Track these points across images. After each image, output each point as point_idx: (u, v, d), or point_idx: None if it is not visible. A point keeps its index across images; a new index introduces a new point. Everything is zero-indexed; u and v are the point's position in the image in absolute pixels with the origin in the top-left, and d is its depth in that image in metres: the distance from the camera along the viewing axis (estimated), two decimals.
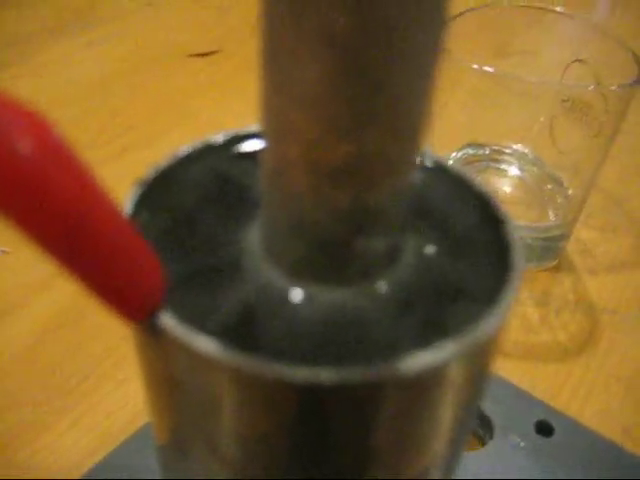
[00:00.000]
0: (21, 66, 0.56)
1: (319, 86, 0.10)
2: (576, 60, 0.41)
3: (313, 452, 0.12)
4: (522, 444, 0.30)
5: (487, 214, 0.14)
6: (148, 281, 0.11)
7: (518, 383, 0.33)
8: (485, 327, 0.11)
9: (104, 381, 0.33)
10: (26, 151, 0.09)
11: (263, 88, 0.11)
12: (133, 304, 0.11)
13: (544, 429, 0.31)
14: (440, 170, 0.15)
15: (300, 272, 0.12)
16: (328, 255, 0.12)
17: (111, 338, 0.34)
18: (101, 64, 0.58)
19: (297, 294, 0.12)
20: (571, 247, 0.42)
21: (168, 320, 0.11)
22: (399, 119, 0.11)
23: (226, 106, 0.51)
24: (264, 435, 0.12)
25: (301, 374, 0.10)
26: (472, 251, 0.13)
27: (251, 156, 0.15)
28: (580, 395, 0.34)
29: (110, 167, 0.45)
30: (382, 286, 0.12)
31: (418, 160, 0.12)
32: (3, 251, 0.39)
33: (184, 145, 0.15)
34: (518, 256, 0.12)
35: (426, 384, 0.11)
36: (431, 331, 0.12)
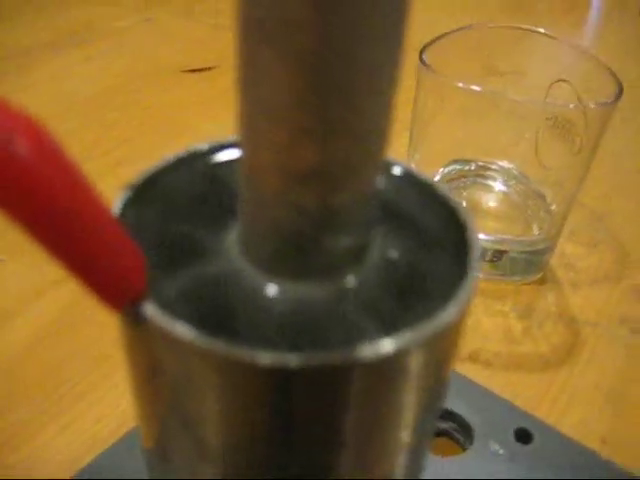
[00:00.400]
0: (18, 80, 0.57)
1: (286, 98, 0.11)
2: (559, 80, 0.43)
3: (284, 435, 0.13)
4: (501, 451, 0.31)
5: (451, 218, 0.15)
6: (131, 273, 0.12)
7: (500, 392, 0.34)
8: (443, 318, 0.12)
9: (95, 387, 0.33)
10: (23, 152, 0.10)
11: (238, 99, 0.12)
12: (116, 293, 0.12)
13: (523, 436, 0.31)
14: (409, 177, 0.16)
15: (272, 268, 0.13)
16: (297, 252, 0.13)
17: (102, 346, 0.35)
18: (97, 79, 0.59)
19: (269, 289, 0.13)
20: (555, 261, 0.43)
21: (150, 308, 0.12)
22: (363, 128, 0.12)
23: (220, 121, 0.52)
24: (240, 417, 0.12)
25: (268, 357, 0.11)
26: (436, 252, 0.14)
27: (232, 162, 0.16)
28: (560, 404, 0.34)
29: (105, 180, 0.46)
30: (349, 281, 0.14)
31: (381, 165, 0.13)
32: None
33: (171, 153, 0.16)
34: (476, 257, 0.13)
35: (387, 370, 0.12)
36: (393, 322, 0.13)
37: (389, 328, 0.13)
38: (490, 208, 0.44)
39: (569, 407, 0.34)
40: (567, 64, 0.43)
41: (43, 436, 0.31)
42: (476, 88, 0.38)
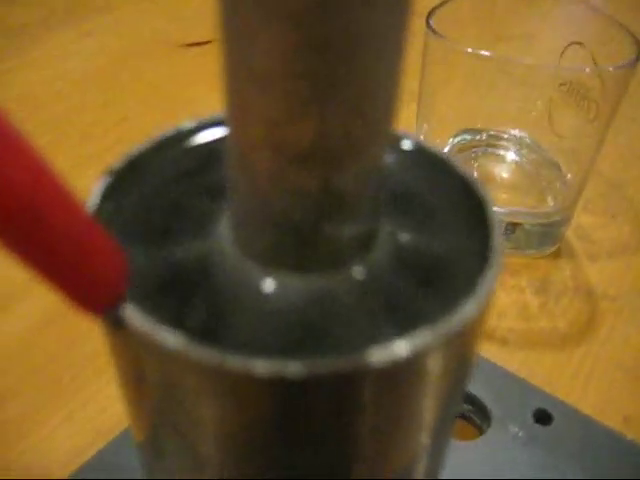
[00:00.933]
0: (14, 59, 0.56)
1: (276, 62, 0.10)
2: (573, 43, 0.41)
3: (288, 448, 0.11)
4: (520, 433, 0.29)
5: (467, 196, 0.13)
6: (109, 274, 0.10)
7: (517, 371, 0.33)
8: (464, 314, 0.11)
9: (97, 377, 0.33)
10: None
11: (223, 69, 0.11)
12: (93, 297, 0.10)
13: (542, 417, 0.30)
14: (419, 152, 0.14)
15: (270, 260, 0.12)
16: (298, 241, 0.11)
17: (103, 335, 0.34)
18: (95, 56, 0.57)
19: (268, 283, 0.12)
20: (571, 233, 0.42)
21: (130, 311, 0.11)
22: (363, 97, 0.10)
23: (219, 96, 0.50)
24: (235, 429, 0.11)
25: (265, 366, 0.10)
26: (451, 235, 0.13)
27: (222, 142, 0.14)
28: (579, 383, 0.33)
29: (104, 159, 0.45)
30: (357, 272, 0.12)
31: (387, 141, 0.11)
32: None
33: (154, 133, 0.14)
34: (498, 239, 0.12)
35: (401, 374, 0.11)
36: (408, 318, 0.11)
37: (403, 324, 0.11)
38: (502, 179, 0.42)
39: (589, 385, 0.33)
40: (581, 25, 0.41)
41: (45, 428, 0.30)
42: (486, 53, 0.36)
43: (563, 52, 0.41)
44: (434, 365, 0.11)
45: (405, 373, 0.11)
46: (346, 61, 0.10)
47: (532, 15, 0.43)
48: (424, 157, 0.14)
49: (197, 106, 0.52)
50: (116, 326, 0.11)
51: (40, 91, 0.53)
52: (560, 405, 0.31)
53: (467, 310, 0.11)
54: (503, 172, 0.43)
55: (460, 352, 0.12)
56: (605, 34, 0.39)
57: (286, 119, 0.10)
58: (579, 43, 0.41)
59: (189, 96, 0.53)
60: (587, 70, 0.37)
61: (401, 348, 0.10)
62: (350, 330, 0.11)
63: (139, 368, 0.11)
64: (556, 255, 0.40)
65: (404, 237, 0.13)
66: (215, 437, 0.12)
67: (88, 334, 0.34)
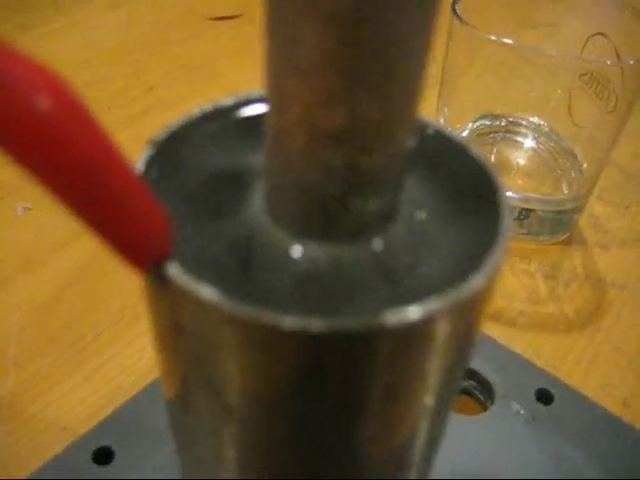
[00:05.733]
0: (44, 28, 0.57)
1: (313, 56, 0.11)
2: (598, 33, 0.41)
3: (307, 402, 0.13)
4: (522, 411, 0.31)
5: (482, 181, 0.14)
6: (156, 232, 0.12)
7: (522, 352, 0.34)
8: (471, 285, 0.12)
9: (119, 337, 0.34)
10: (45, 106, 0.10)
11: (266, 57, 0.12)
12: (140, 253, 0.11)
13: (544, 397, 0.31)
14: (440, 137, 0.15)
15: (299, 229, 0.13)
16: (324, 213, 0.13)
17: (127, 296, 0.35)
18: (124, 27, 0.58)
19: (296, 250, 0.13)
20: (583, 221, 0.42)
21: (173, 269, 0.12)
22: (392, 89, 0.11)
23: (247, 70, 0.51)
24: (263, 382, 0.12)
25: (292, 321, 0.11)
26: (465, 215, 0.14)
27: (259, 118, 0.15)
28: (582, 366, 0.34)
29: (131, 128, 0.46)
30: (377, 244, 0.13)
31: (412, 127, 0.13)
32: (25, 208, 0.40)
33: (196, 108, 0.15)
34: (507, 222, 0.13)
35: (412, 337, 0.12)
36: (421, 287, 0.12)
37: (417, 292, 0.12)
38: (519, 165, 0.43)
39: (591, 369, 0.34)
40: (606, 16, 0.41)
41: (66, 385, 0.31)
42: (509, 41, 0.37)
43: (586, 42, 0.42)
44: (442, 331, 0.12)
45: (416, 336, 0.12)
46: (376, 58, 0.11)
47: (558, 4, 0.44)
48: (444, 141, 0.15)
49: (223, 79, 0.52)
50: (160, 281, 0.12)
51: (69, 59, 0.54)
52: (562, 386, 0.32)
53: (474, 282, 0.12)
54: (520, 158, 0.43)
55: (466, 322, 0.13)
56: (629, 26, 0.40)
57: (320, 104, 0.11)
58: (602, 34, 0.41)
59: (215, 69, 0.54)
60: (608, 62, 0.38)
61: (413, 313, 0.11)
62: (368, 295, 0.12)
63: (177, 323, 0.13)
64: (568, 242, 0.41)
65: (422, 214, 0.14)
66: (243, 389, 0.13)
67: (110, 297, 0.35)
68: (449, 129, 0.15)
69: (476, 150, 0.14)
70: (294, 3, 0.10)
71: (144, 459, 0.27)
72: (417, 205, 0.14)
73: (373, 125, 0.12)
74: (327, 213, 0.13)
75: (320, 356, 0.12)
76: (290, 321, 0.11)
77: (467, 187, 0.15)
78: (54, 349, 0.33)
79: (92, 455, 0.27)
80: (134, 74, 0.53)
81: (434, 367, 0.13)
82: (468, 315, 0.13)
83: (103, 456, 0.27)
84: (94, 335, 0.34)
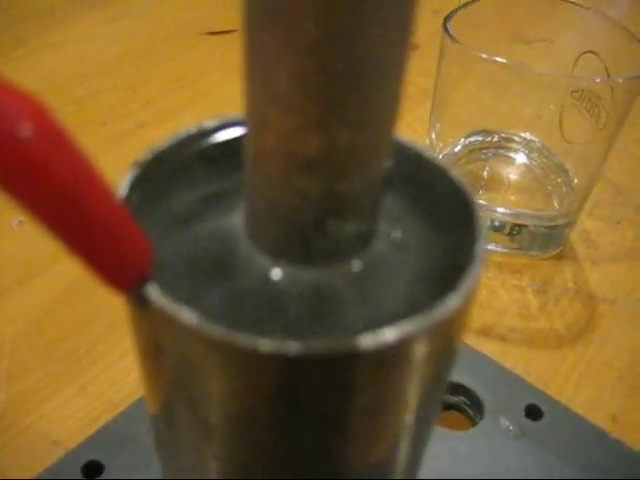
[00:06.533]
0: (40, 42, 0.57)
1: (290, 86, 0.11)
2: (588, 51, 0.42)
3: (285, 422, 0.13)
4: (511, 427, 0.31)
5: (460, 202, 0.15)
6: (135, 255, 0.12)
7: (513, 368, 0.34)
8: (447, 306, 0.12)
9: (110, 352, 0.34)
10: (26, 134, 0.10)
11: (244, 82, 0.12)
12: (121, 276, 0.12)
13: (533, 413, 0.31)
14: (419, 158, 0.15)
15: (278, 253, 0.13)
16: (302, 238, 0.13)
17: (119, 311, 0.35)
18: (120, 40, 0.59)
19: (275, 273, 0.13)
20: (575, 236, 0.43)
21: (153, 292, 0.12)
22: (368, 117, 0.12)
23: (238, 86, 0.52)
24: (241, 402, 0.13)
25: (269, 344, 0.11)
26: (444, 236, 0.14)
27: (241, 140, 0.16)
28: (572, 382, 0.34)
29: (127, 142, 0.46)
30: (355, 265, 0.13)
31: (388, 153, 0.13)
32: (20, 221, 0.40)
33: (183, 128, 0.16)
34: (482, 243, 0.13)
35: (389, 359, 0.12)
36: (398, 308, 0.13)
37: (394, 314, 0.13)
38: (511, 180, 0.43)
39: (582, 384, 0.34)
40: (597, 35, 0.42)
41: (57, 399, 0.31)
42: (501, 60, 0.37)
43: (577, 60, 0.42)
44: (419, 351, 0.12)
45: (392, 357, 0.12)
46: (351, 88, 0.11)
47: (550, 22, 0.44)
48: (423, 164, 0.15)
49: (218, 93, 0.53)
50: (140, 304, 0.12)
51: (64, 73, 0.54)
52: (551, 402, 0.32)
53: (450, 303, 0.12)
54: (512, 174, 0.44)
55: (443, 341, 0.13)
56: (619, 45, 0.40)
57: (295, 132, 0.11)
58: (593, 52, 0.41)
59: (211, 83, 0.54)
60: (598, 80, 0.38)
61: (389, 335, 0.12)
62: (347, 317, 0.13)
63: (158, 343, 0.13)
64: (559, 257, 0.41)
65: (399, 235, 0.14)
66: (223, 409, 0.13)
67: (102, 311, 0.36)
68: (429, 151, 0.15)
69: (455, 172, 0.15)
70: (271, 33, 0.11)
71: (133, 473, 0.27)
72: (395, 225, 0.14)
73: (349, 151, 0.12)
74: (305, 237, 0.13)
75: (297, 378, 0.12)
76: (267, 344, 0.11)
77: (445, 208, 0.15)
78: (46, 363, 0.33)
79: (82, 469, 0.27)
80: (130, 88, 0.53)
81: (412, 387, 0.13)
82: (445, 335, 0.13)
83: (93, 470, 0.27)
84: (86, 349, 0.34)
